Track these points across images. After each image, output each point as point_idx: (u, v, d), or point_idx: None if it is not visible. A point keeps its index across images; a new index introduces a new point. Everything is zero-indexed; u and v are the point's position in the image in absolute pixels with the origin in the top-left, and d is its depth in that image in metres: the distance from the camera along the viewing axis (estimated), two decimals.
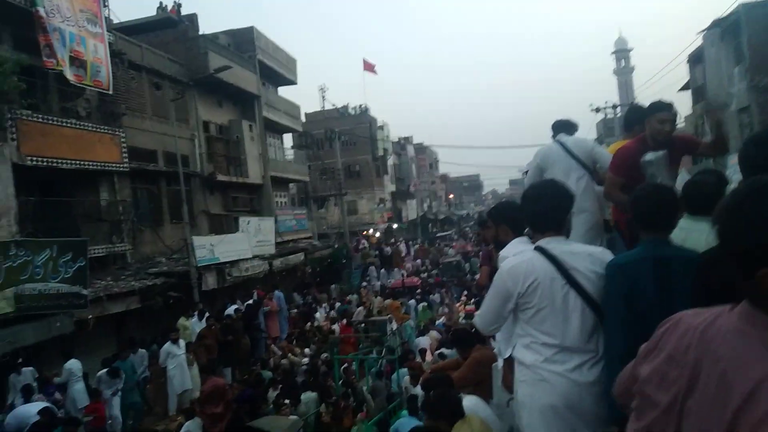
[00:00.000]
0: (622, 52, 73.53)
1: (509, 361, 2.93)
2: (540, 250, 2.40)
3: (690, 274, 1.97)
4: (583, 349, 2.33)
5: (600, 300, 2.32)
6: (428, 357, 12.16)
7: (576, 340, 2.32)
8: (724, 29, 17.90)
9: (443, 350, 12.30)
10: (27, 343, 9.48)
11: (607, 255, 2.47)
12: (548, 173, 4.05)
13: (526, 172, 3.97)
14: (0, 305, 8.85)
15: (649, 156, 3.21)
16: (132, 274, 12.88)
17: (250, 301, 14.60)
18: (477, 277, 6.60)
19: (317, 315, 17.23)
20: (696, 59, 20.90)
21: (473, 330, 4.19)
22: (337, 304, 18.81)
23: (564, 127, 4.34)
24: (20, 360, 9.22)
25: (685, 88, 22.94)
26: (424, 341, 13.01)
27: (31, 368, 9.07)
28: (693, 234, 2.43)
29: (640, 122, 3.56)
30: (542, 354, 2.35)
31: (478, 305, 6.04)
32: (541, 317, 2.35)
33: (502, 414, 3.99)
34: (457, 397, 3.30)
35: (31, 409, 7.05)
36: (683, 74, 22.92)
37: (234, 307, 13.92)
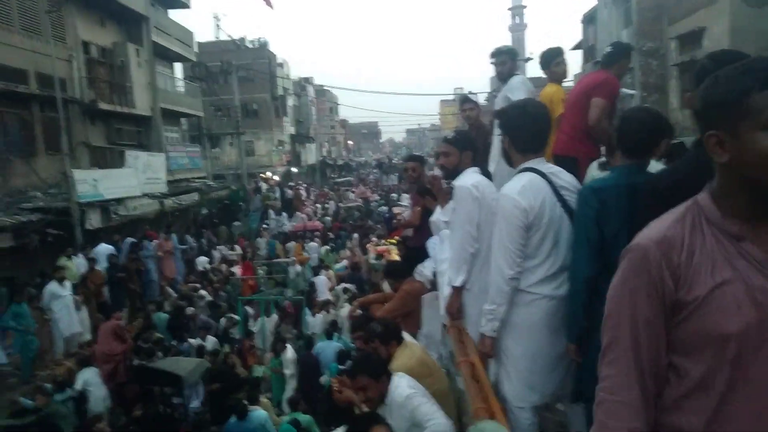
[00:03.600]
0: (517, 9, 75.96)
1: (459, 289, 2.97)
2: (532, 170, 2.40)
3: None
4: (566, 267, 2.40)
5: None
6: (326, 294, 12.40)
7: (563, 258, 2.39)
8: None
9: (345, 285, 12.65)
10: None
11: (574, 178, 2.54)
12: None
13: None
14: None
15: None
16: (2, 209, 11.43)
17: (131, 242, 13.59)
18: (405, 215, 6.63)
19: (215, 256, 16.60)
20: (589, 19, 22.08)
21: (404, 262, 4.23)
22: (236, 247, 18.25)
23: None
24: None
25: (577, 47, 24.26)
26: (321, 280, 13.22)
27: None
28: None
29: (619, 61, 3.71)
30: (536, 275, 2.41)
31: (400, 245, 6.07)
32: (542, 237, 2.38)
33: (429, 344, 4.11)
34: (397, 325, 3.31)
35: None
36: (575, 34, 24.21)
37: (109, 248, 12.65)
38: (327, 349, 8.27)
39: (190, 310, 10.84)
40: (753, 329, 1.10)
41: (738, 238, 1.15)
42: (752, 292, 1.12)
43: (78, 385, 7.38)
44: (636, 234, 1.26)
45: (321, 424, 5.70)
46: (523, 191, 2.40)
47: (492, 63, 4.71)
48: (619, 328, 1.22)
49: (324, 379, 7.51)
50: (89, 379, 7.35)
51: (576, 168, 3.19)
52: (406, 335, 3.69)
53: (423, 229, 4.52)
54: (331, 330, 9.10)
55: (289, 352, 8.36)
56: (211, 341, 9.60)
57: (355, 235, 18.71)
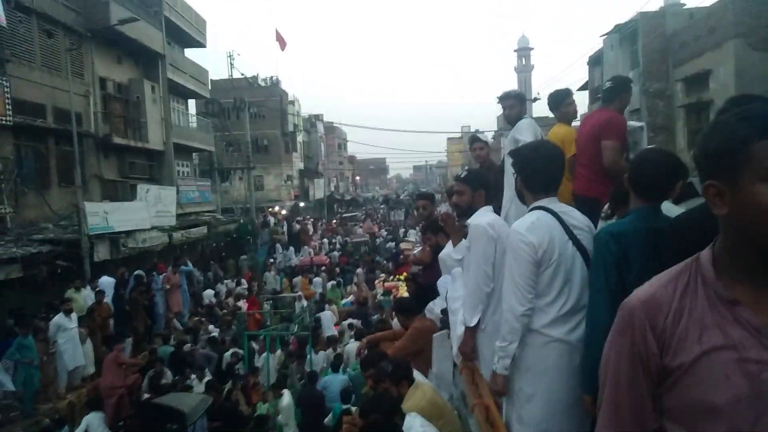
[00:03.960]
0: (523, 51, 77.35)
1: (472, 330, 2.95)
2: (542, 208, 2.41)
3: None
4: (580, 306, 2.37)
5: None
6: (332, 330, 12.25)
7: (576, 299, 2.37)
8: (623, 35, 19.36)
9: (351, 321, 12.52)
10: None
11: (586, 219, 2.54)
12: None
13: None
14: None
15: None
16: (13, 240, 11.52)
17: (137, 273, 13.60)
18: (415, 252, 6.62)
19: (221, 290, 16.56)
20: (595, 61, 22.44)
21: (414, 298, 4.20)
22: (242, 281, 18.20)
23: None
24: None
25: (583, 88, 24.58)
26: (326, 315, 13.12)
27: None
28: None
29: (620, 95, 3.76)
30: (549, 315, 2.38)
31: (410, 282, 6.04)
32: (552, 275, 2.36)
33: (440, 384, 4.04)
34: (408, 364, 3.26)
35: None
36: (581, 75, 24.57)
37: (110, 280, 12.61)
38: (333, 382, 8.16)
39: (187, 346, 10.74)
40: (744, 403, 1.01)
41: (733, 303, 1.06)
42: (745, 362, 1.02)
43: (81, 429, 7.27)
44: None
45: None
46: (531, 228, 2.41)
47: (501, 106, 4.78)
48: (605, 387, 1.20)
49: (328, 420, 7.35)
50: (93, 423, 7.22)
51: (598, 208, 3.18)
52: (417, 374, 3.64)
53: (433, 267, 4.51)
54: (337, 363, 8.98)
55: (286, 399, 7.95)
56: (208, 378, 9.39)
57: (359, 270, 18.62)
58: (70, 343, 9.24)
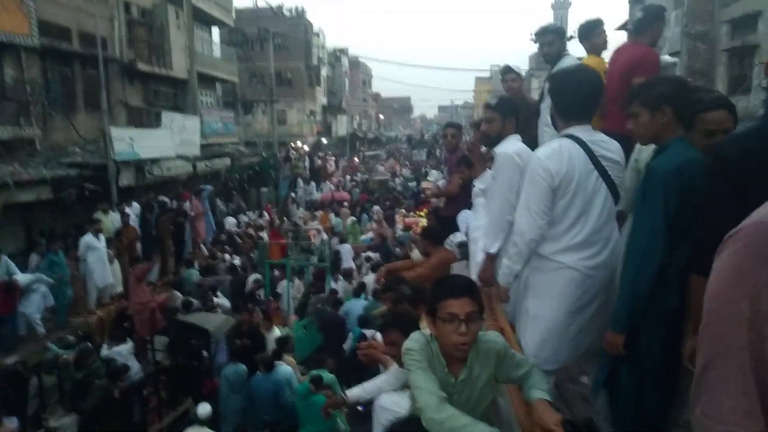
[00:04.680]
0: None
1: (493, 256, 2.97)
2: (570, 137, 2.36)
3: None
4: (597, 238, 2.37)
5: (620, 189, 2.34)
6: (350, 263, 12.59)
7: (594, 229, 2.36)
8: None
9: (369, 254, 12.80)
10: None
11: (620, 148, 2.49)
12: None
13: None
14: None
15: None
16: (42, 162, 11.77)
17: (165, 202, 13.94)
18: (440, 183, 6.60)
19: (243, 220, 16.87)
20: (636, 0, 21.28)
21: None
22: (264, 213, 18.49)
23: None
24: None
25: (622, 27, 23.44)
26: (345, 248, 13.43)
27: None
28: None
29: (652, 26, 3.58)
30: (561, 243, 2.38)
31: (431, 215, 6.06)
32: (568, 204, 2.34)
33: None
34: (426, 289, 3.33)
35: None
36: (621, 13, 23.35)
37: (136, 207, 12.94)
38: (355, 307, 8.51)
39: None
40: None
41: None
42: None
43: (109, 352, 7.52)
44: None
45: (343, 384, 5.82)
46: (551, 154, 2.36)
47: (538, 43, 4.45)
48: (729, 338, 0.95)
49: (348, 345, 7.65)
50: (123, 353, 7.53)
51: (629, 147, 3.11)
52: None
53: (458, 199, 4.50)
54: (359, 290, 9.37)
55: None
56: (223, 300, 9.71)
57: (376, 207, 18.72)
58: (98, 262, 9.60)
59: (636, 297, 2.14)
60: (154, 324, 8.38)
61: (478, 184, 3.52)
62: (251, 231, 15.61)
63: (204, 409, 5.89)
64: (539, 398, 2.04)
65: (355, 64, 51.66)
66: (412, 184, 25.11)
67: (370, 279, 9.80)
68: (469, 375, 2.03)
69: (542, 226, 2.38)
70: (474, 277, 3.27)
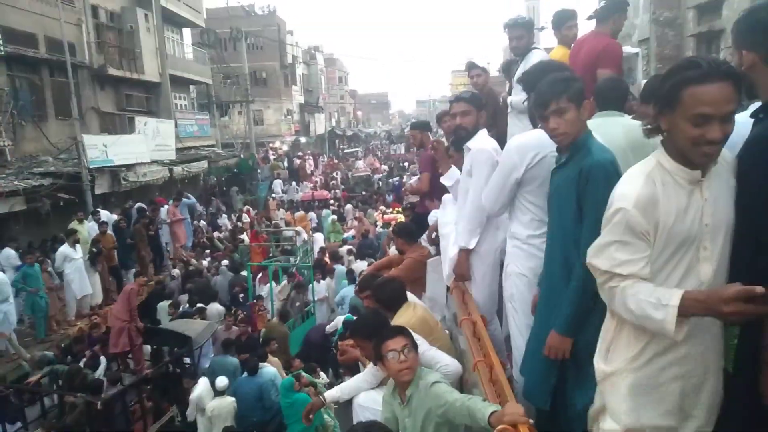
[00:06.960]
0: None
1: (469, 251, 3.02)
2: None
3: None
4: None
5: None
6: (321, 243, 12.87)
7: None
8: None
9: (348, 246, 12.96)
10: None
11: None
12: None
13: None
14: None
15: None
16: (14, 173, 11.55)
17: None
18: (413, 181, 6.64)
19: (224, 224, 16.75)
20: None
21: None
22: (243, 215, 18.36)
23: None
24: None
25: (592, 17, 23.68)
26: (317, 236, 14.32)
27: None
28: (608, 128, 2.52)
29: (614, 15, 3.63)
30: (538, 228, 2.45)
31: (408, 211, 6.09)
32: (542, 191, 2.39)
33: (433, 306, 4.18)
34: (403, 285, 3.36)
35: None
36: (592, 3, 23.60)
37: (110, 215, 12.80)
38: (350, 293, 8.74)
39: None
40: None
41: None
42: None
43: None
44: None
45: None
46: (521, 145, 2.49)
47: (508, 36, 4.43)
48: None
49: (332, 328, 7.92)
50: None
51: None
52: (410, 296, 3.76)
53: (430, 196, 4.53)
54: (351, 276, 9.77)
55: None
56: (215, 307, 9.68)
57: (348, 207, 18.85)
58: (76, 272, 9.46)
59: (587, 297, 1.98)
60: (121, 339, 8.00)
61: (445, 182, 3.54)
62: (228, 234, 15.56)
63: (222, 381, 6.31)
64: (493, 410, 1.95)
65: (331, 61, 51.45)
66: (395, 179, 25.17)
67: (361, 265, 10.20)
68: (409, 402, 2.33)
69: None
70: (448, 271, 3.32)
